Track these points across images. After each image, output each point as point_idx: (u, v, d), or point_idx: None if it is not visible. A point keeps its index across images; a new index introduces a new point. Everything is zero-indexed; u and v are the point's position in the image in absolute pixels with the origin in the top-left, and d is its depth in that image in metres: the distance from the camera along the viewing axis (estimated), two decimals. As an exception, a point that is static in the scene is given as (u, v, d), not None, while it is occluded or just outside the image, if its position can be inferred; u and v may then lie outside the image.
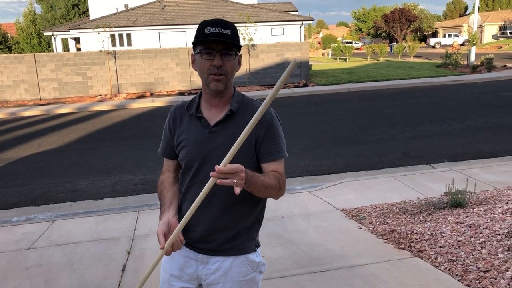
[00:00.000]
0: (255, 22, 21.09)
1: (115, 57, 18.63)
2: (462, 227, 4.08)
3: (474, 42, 23.50)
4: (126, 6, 28.66)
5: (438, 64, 25.03)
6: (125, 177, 7.08)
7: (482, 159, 7.10)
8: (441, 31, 61.55)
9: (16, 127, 12.79)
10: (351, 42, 55.13)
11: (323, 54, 46.63)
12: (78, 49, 29.20)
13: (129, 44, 24.94)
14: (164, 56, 19.14)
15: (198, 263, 1.87)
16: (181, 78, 19.37)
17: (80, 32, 24.40)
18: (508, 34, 51.76)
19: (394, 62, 28.39)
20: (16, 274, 3.86)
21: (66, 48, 32.96)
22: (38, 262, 4.07)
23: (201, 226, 1.83)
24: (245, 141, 1.48)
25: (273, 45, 20.21)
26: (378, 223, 4.50)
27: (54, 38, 28.77)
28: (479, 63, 21.91)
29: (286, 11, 29.21)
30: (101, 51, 18.35)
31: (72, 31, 25.43)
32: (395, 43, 47.31)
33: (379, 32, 62.33)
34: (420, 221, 4.44)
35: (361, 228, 4.43)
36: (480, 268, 3.34)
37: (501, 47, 41.93)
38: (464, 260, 3.50)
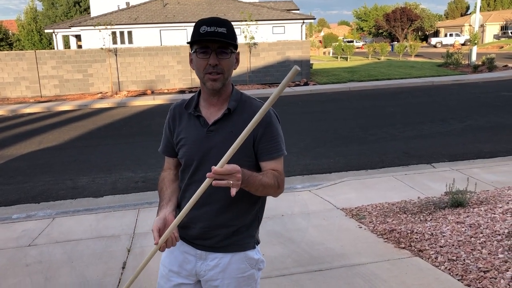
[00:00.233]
0: (256, 20, 21.07)
1: (116, 55, 18.62)
2: (463, 227, 4.08)
3: (476, 41, 23.47)
4: (127, 3, 28.63)
5: (439, 63, 25.00)
6: (125, 174, 7.09)
7: (482, 159, 7.09)
8: (442, 31, 61.48)
9: (17, 124, 12.79)
10: (352, 41, 55.10)
11: (324, 53, 46.60)
12: (79, 47, 29.19)
13: (130, 41, 24.93)
14: (165, 54, 19.12)
15: (197, 259, 1.87)
16: (182, 76, 19.36)
17: (81, 30, 24.39)
18: (510, 34, 51.71)
19: (395, 61, 28.37)
20: (16, 271, 3.86)
21: (67, 45, 32.94)
22: (38, 259, 4.07)
23: (200, 223, 1.84)
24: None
25: (274, 44, 20.19)
26: (378, 222, 4.50)
27: (55, 35, 28.75)
28: (480, 63, 21.88)
29: (288, 10, 29.17)
30: (102, 48, 18.35)
31: (73, 29, 25.42)
32: (396, 42, 47.29)
33: (381, 31, 62.30)
34: (421, 220, 4.43)
35: (361, 227, 4.43)
36: (480, 268, 3.34)
37: (502, 47, 41.89)
38: (464, 260, 3.50)
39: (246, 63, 19.55)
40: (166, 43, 24.04)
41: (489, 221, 4.16)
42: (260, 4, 28.53)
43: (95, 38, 20.65)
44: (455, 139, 8.48)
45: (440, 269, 3.44)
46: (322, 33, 77.91)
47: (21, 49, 39.17)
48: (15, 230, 4.83)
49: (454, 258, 3.55)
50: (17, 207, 5.89)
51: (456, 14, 70.32)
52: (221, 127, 1.78)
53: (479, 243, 3.73)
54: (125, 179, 6.85)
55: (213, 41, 1.70)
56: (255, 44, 19.40)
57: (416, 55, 33.33)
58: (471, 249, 3.64)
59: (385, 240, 4.08)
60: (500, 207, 4.50)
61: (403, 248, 3.87)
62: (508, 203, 4.66)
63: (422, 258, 3.65)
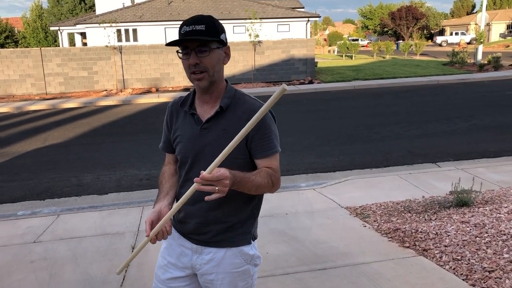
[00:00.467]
0: (261, 18, 21.04)
1: (121, 52, 18.66)
2: (468, 227, 4.07)
3: (481, 40, 23.36)
4: (132, 1, 28.69)
5: (444, 62, 24.89)
6: (130, 172, 7.10)
7: (488, 159, 7.06)
8: (448, 29, 61.20)
9: (22, 121, 12.84)
10: (357, 40, 54.96)
11: (329, 51, 46.51)
12: (84, 44, 29.26)
13: (135, 39, 24.97)
14: (170, 51, 19.13)
15: (192, 252, 1.90)
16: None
17: (86, 27, 24.44)
18: (516, 33, 51.39)
19: (400, 60, 28.28)
20: (21, 267, 3.88)
21: (72, 43, 33.02)
22: (43, 256, 4.08)
23: (195, 219, 1.86)
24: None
25: (279, 42, 20.17)
26: (382, 221, 4.49)
27: (61, 32, 28.83)
28: (486, 62, 21.77)
29: (292, 8, 29.12)
30: (107, 46, 18.38)
31: (78, 26, 25.48)
32: (401, 41, 47.12)
33: (386, 29, 62.08)
34: (425, 220, 4.42)
35: (365, 226, 4.42)
36: (485, 268, 3.32)
37: (508, 46, 41.64)
38: (469, 259, 3.48)
39: (250, 61, 19.54)
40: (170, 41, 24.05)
41: (494, 221, 4.14)
42: (265, 2, 28.48)
43: (100, 36, 20.69)
44: (460, 138, 8.45)
45: (444, 268, 3.43)
46: (327, 31, 77.75)
47: (27, 47, 39.31)
48: (20, 227, 4.85)
49: (459, 257, 3.53)
50: (22, 204, 5.92)
51: (462, 12, 69.96)
52: (214, 125, 1.79)
53: (484, 243, 3.72)
54: (129, 177, 6.86)
55: (190, 40, 1.69)
56: (259, 42, 19.38)
57: (422, 54, 33.19)
58: (476, 249, 3.62)
59: (390, 239, 4.07)
60: (506, 207, 4.47)
61: (408, 247, 3.86)
62: (513, 202, 4.63)
63: (427, 258, 3.63)
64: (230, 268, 1.85)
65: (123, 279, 3.58)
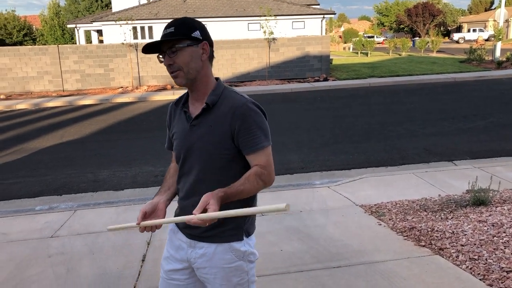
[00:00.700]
0: (275, 15, 20.99)
1: (136, 50, 18.78)
2: (485, 226, 4.01)
3: (500, 37, 22.96)
4: (148, -1, 28.85)
5: (461, 59, 24.55)
6: (145, 168, 7.16)
7: (506, 157, 6.94)
8: (465, 26, 60.31)
9: (40, 117, 13.03)
10: (372, 37, 54.47)
11: (344, 48, 46.21)
12: (101, 41, 29.54)
13: (151, 36, 25.11)
14: (185, 49, 19.17)
15: (187, 246, 1.94)
16: (201, 71, 19.40)
17: (102, 25, 24.66)
18: (536, 29, 50.40)
19: (417, 57, 27.97)
20: (39, 261, 3.94)
21: (88, 40, 33.37)
22: (60, 251, 4.15)
23: (188, 213, 1.85)
24: (218, 136, 1.77)
25: (293, 39, 20.10)
26: (398, 219, 4.46)
27: (77, 30, 29.16)
28: (504, 59, 21.41)
29: (308, 5, 28.98)
30: (123, 43, 18.53)
31: (95, 24, 25.74)
32: (417, 38, 46.59)
33: (402, 26, 61.44)
34: (441, 218, 4.37)
35: (380, 225, 4.39)
36: (503, 268, 3.28)
37: (528, 43, 40.87)
38: (486, 259, 3.44)
39: (265, 58, 19.52)
40: (185, 38, 24.13)
41: (512, 220, 4.08)
42: (280, -1, 28.40)
43: (116, 33, 20.88)
44: (477, 136, 8.33)
45: (461, 268, 3.40)
46: (342, 28, 77.24)
47: (44, 44, 39.84)
48: (38, 222, 4.93)
49: (476, 257, 3.49)
50: (40, 199, 6.01)
51: (480, 9, 68.87)
52: (202, 122, 1.84)
53: (502, 243, 3.67)
54: (145, 173, 6.92)
55: (160, 43, 1.81)
56: (274, 39, 19.35)
57: (438, 51, 32.77)
58: (494, 249, 3.58)
59: (405, 237, 4.04)
60: (524, 206, 4.40)
61: (423, 246, 3.83)
62: (532, 202, 4.56)
63: (443, 257, 3.60)
64: (222, 263, 1.88)
65: (139, 274, 3.62)
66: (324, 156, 7.50)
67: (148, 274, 3.62)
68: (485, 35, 47.74)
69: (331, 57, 22.19)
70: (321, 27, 26.37)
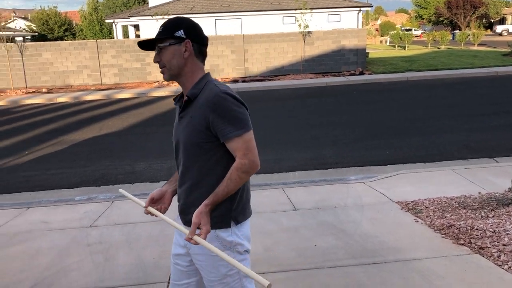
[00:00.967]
0: (311, 8, 20.77)
1: (172, 44, 18.98)
2: (528, 225, 3.86)
3: (547, 29, 21.95)
4: (184, -7, 29.06)
5: (505, 52, 23.64)
6: (180, 161, 7.24)
7: (551, 154, 6.66)
8: (509, 18, 57.96)
9: (79, 110, 13.41)
10: (410, 30, 53.17)
11: (380, 41, 45.36)
12: (138, 36, 30.07)
13: (186, 31, 25.29)
14: (220, 43, 19.30)
15: (179, 234, 2.04)
16: (235, 65, 19.49)
17: (139, 20, 25.06)
18: None
19: (457, 51, 27.12)
20: (79, 250, 4.07)
21: (126, 35, 34.01)
22: (99, 240, 4.26)
23: (181, 200, 2.03)
24: (196, 126, 1.86)
25: (329, 32, 19.85)
26: (436, 217, 4.35)
27: (115, 25, 29.73)
28: (551, 52, 20.48)
29: (343, -3, 28.51)
30: (159, 38, 18.75)
31: (132, 19, 26.17)
32: (457, 31, 45.16)
33: (441, 19, 59.59)
34: (482, 217, 4.24)
35: (417, 222, 4.30)
36: (547, 269, 3.15)
37: None
38: (529, 260, 3.31)
39: (300, 52, 19.38)
40: (220, 33, 24.25)
41: (558, 220, 3.91)
42: (315, -8, 28.07)
43: (153, 28, 21.16)
44: (521, 133, 8.01)
45: (503, 268, 3.28)
46: (379, 21, 75.76)
47: (83, 39, 40.90)
48: (78, 211, 5.09)
49: (519, 257, 3.36)
50: (80, 190, 6.19)
51: (525, -1, 65.99)
52: (186, 114, 1.95)
53: (547, 243, 3.52)
54: (180, 166, 7.00)
55: (150, 42, 1.98)
56: (309, 32, 19.17)
57: (479, 44, 31.65)
58: (538, 249, 3.44)
59: (443, 235, 3.94)
60: None
61: (462, 244, 3.72)
62: None
63: (483, 256, 3.49)
64: (209, 251, 1.87)
65: (174, 265, 3.67)
66: (359, 151, 7.39)
67: (183, 265, 3.67)
68: (530, 27, 45.76)
69: (367, 51, 21.81)
70: (357, 20, 25.92)
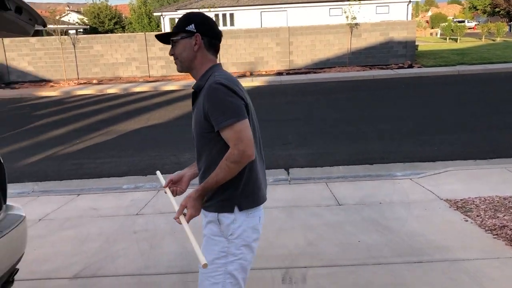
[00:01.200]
0: (359, 0, 20.35)
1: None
2: None
3: None
4: (230, -14, 29.20)
5: None
6: (224, 153, 7.31)
7: None
8: None
9: (128, 102, 13.79)
10: (463, 21, 51.08)
11: (431, 34, 43.90)
12: (184, 29, 30.42)
13: (232, 24, 25.48)
14: (265, 35, 19.27)
15: (202, 214, 2.09)
16: (280, 58, 19.41)
17: (186, 12, 25.41)
18: None
19: (513, 43, 25.83)
20: (126, 237, 4.19)
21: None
22: (145, 228, 4.37)
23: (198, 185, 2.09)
24: (198, 117, 1.95)
25: (377, 24, 19.39)
26: (487, 216, 4.17)
27: (163, 18, 30.29)
28: None
29: (393, -12, 27.74)
30: (205, 30, 18.94)
31: (179, 11, 26.57)
32: (515, 22, 42.94)
33: (497, 10, 56.86)
34: (538, 218, 4.02)
35: (467, 221, 4.14)
36: None
37: None
38: None
39: (346, 44, 19.05)
40: (266, 25, 24.21)
41: None
42: (363, -17, 27.48)
43: (199, 21, 21.37)
44: None
45: (560, 273, 3.11)
46: (429, 13, 73.28)
47: (132, 32, 41.95)
48: (125, 199, 5.24)
49: None
50: (127, 178, 6.37)
51: None
52: (195, 105, 2.06)
53: None
54: (224, 157, 7.07)
55: (161, 37, 2.12)
56: (356, 24, 18.79)
57: (539, 36, 30.01)
58: None
59: (495, 236, 3.77)
60: None
61: (516, 246, 3.55)
62: None
63: (538, 260, 3.31)
64: (210, 233, 2.03)
65: (217, 256, 3.72)
66: (406, 146, 7.19)
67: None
68: None
69: (416, 43, 21.15)
70: (407, 11, 25.19)
